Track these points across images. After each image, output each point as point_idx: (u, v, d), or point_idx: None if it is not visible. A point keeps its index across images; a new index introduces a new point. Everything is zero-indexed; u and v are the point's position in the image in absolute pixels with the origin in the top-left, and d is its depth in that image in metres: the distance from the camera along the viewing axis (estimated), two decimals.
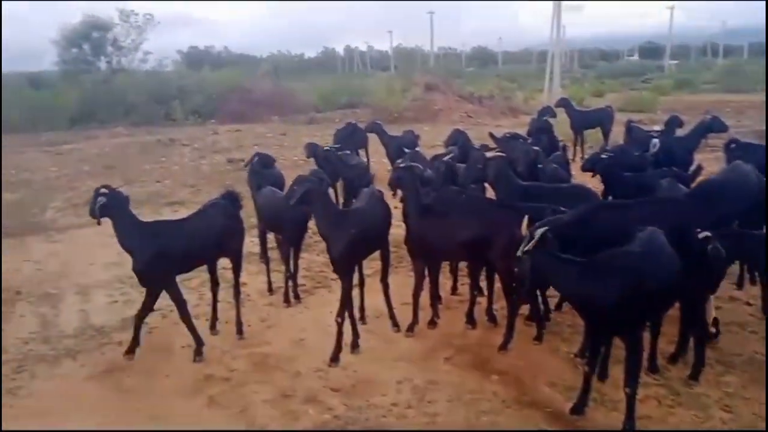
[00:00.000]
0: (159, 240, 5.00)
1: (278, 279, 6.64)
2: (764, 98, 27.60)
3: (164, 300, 6.46)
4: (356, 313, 5.67)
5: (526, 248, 3.86)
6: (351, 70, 73.73)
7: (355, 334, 5.18)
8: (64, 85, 29.47)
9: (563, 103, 14.32)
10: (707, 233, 4.10)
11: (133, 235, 4.99)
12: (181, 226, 5.29)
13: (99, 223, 5.07)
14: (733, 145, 8.38)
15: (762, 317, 5.50)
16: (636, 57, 75.42)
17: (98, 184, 5.29)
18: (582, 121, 13.95)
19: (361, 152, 12.78)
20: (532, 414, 4.20)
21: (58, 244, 9.03)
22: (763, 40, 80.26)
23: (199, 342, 5.22)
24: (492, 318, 5.57)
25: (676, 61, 59.59)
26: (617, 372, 4.65)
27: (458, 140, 9.41)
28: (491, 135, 11.03)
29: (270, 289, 6.63)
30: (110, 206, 4.97)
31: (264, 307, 6.27)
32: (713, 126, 10.28)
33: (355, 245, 4.94)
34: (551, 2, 32.60)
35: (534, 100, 30.26)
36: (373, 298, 5.76)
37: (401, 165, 5.54)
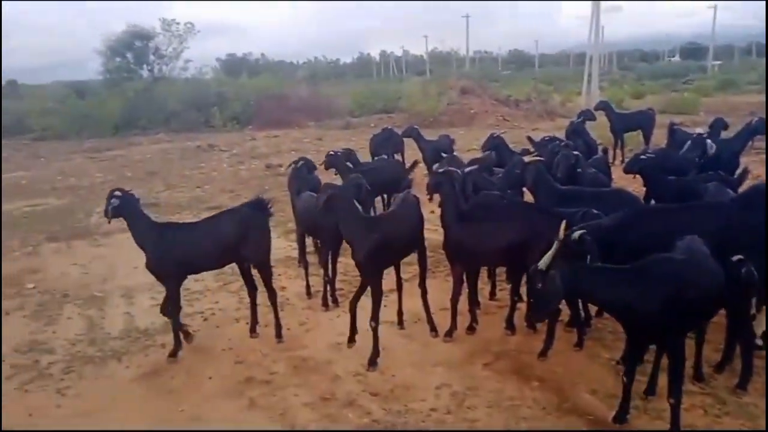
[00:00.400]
0: (167, 240, 5.25)
1: (317, 283, 6.70)
2: None
3: (204, 303, 6.67)
4: (395, 318, 5.70)
5: (550, 257, 3.65)
6: (386, 75, 74.07)
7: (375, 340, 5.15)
8: (108, 94, 30.35)
9: (603, 105, 14.11)
10: (740, 257, 3.98)
11: (145, 234, 5.28)
12: (192, 229, 5.51)
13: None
14: None
15: None
16: (677, 58, 73.84)
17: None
18: (622, 124, 13.72)
19: (398, 156, 12.86)
20: (573, 421, 4.13)
21: (103, 248, 9.30)
22: None
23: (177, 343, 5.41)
24: (531, 324, 5.51)
25: (719, 62, 58.10)
26: (662, 379, 4.57)
27: (494, 145, 9.34)
28: (529, 138, 10.95)
29: (308, 293, 6.69)
30: (122, 207, 5.27)
31: (303, 311, 6.33)
32: (759, 128, 10.01)
33: (379, 250, 4.93)
34: (589, 3, 32.11)
35: (572, 103, 29.90)
36: (412, 303, 5.75)
37: (439, 170, 5.54)
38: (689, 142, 8.77)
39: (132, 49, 33.84)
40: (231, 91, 31.20)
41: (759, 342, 4.85)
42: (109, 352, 5.61)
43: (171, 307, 5.41)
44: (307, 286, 6.73)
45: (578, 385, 4.55)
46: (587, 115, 12.50)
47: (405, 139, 12.88)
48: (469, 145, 16.21)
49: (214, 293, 6.95)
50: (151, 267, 5.28)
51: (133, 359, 5.44)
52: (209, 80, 36.49)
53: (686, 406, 4.22)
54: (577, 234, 4.00)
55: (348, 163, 8.65)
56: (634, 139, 14.33)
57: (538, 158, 6.00)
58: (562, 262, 3.67)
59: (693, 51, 74.67)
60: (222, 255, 5.47)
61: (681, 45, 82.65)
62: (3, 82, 28.19)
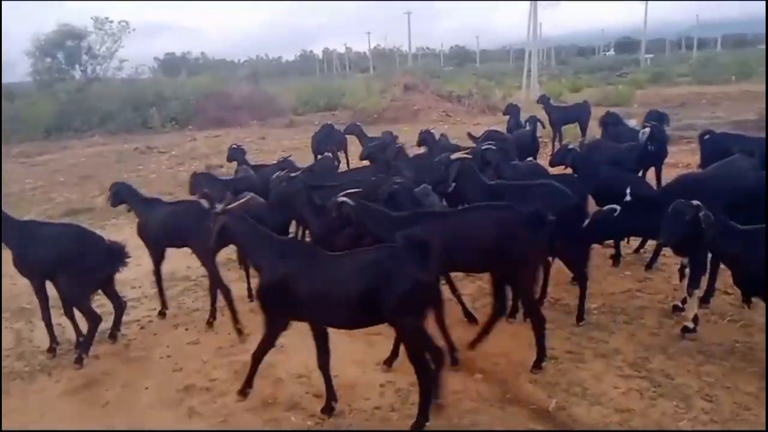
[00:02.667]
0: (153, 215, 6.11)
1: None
2: (738, 89, 28.14)
3: (141, 311, 6.44)
4: None
5: None
6: (330, 73, 73.63)
7: None
8: (38, 96, 29.04)
9: (542, 100, 14.45)
10: (698, 202, 4.21)
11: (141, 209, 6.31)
12: (164, 210, 6.18)
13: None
14: (707, 137, 8.46)
15: (741, 306, 5.56)
16: (612, 52, 76.31)
17: (74, 194, 5.29)
18: (560, 117, 14.06)
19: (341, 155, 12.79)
20: (515, 411, 4.18)
21: None
22: (736, 32, 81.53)
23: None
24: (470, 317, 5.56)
25: (651, 55, 60.35)
26: (599, 365, 4.68)
27: (427, 141, 9.41)
28: (469, 135, 11.09)
29: (250, 296, 6.55)
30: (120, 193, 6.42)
31: (244, 314, 6.17)
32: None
33: None
34: (527, 1, 32.78)
35: (512, 98, 30.35)
36: None
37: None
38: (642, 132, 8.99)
39: (63, 48, 32.52)
40: (169, 91, 30.33)
41: (690, 325, 5.05)
42: (38, 366, 5.35)
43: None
44: (249, 289, 6.58)
45: (520, 375, 4.61)
46: (514, 111, 12.85)
47: (348, 136, 12.83)
48: (413, 141, 16.26)
49: (151, 300, 6.72)
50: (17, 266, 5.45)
51: (64, 373, 5.19)
52: (146, 80, 35.43)
53: (623, 390, 4.35)
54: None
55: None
56: (571, 132, 14.70)
57: (463, 155, 5.94)
58: None
59: (627, 45, 77.31)
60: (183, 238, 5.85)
61: (615, 39, 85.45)
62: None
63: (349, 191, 4.96)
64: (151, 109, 27.25)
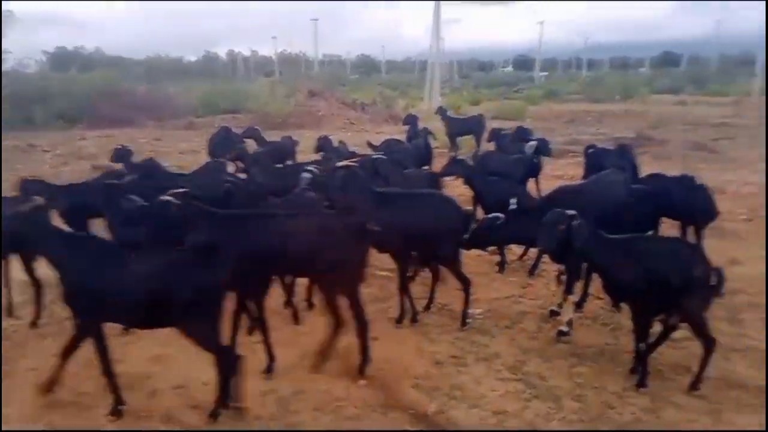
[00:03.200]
0: None
1: None
2: (621, 108, 30.28)
3: (7, 321, 5.93)
4: None
5: None
6: (234, 76, 71.95)
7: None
8: None
9: (439, 111, 14.88)
10: (573, 212, 4.45)
11: None
12: None
13: None
14: (590, 150, 9.02)
15: (611, 310, 5.92)
16: (510, 68, 79.87)
17: None
18: (456, 129, 14.52)
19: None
20: (396, 417, 4.21)
21: None
22: (622, 54, 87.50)
23: None
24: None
25: (545, 73, 63.69)
26: (480, 369, 4.82)
27: (324, 147, 9.41)
28: (369, 143, 11.18)
29: None
30: None
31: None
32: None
33: None
34: (431, 14, 33.65)
35: (414, 108, 31.05)
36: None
37: None
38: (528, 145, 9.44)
39: None
40: (58, 87, 28.39)
41: (565, 329, 5.31)
42: None
43: None
44: None
45: (403, 380, 4.65)
46: (412, 121, 13.16)
47: (247, 141, 12.54)
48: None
49: (17, 309, 6.20)
50: None
51: None
52: (31, 74, 33.03)
53: (500, 393, 4.50)
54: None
55: None
56: (468, 143, 15.20)
57: (349, 163, 5.91)
58: None
59: (523, 62, 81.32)
60: None
61: (513, 57, 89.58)
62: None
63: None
64: (35, 105, 25.35)
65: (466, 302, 5.52)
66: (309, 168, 6.53)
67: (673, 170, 12.45)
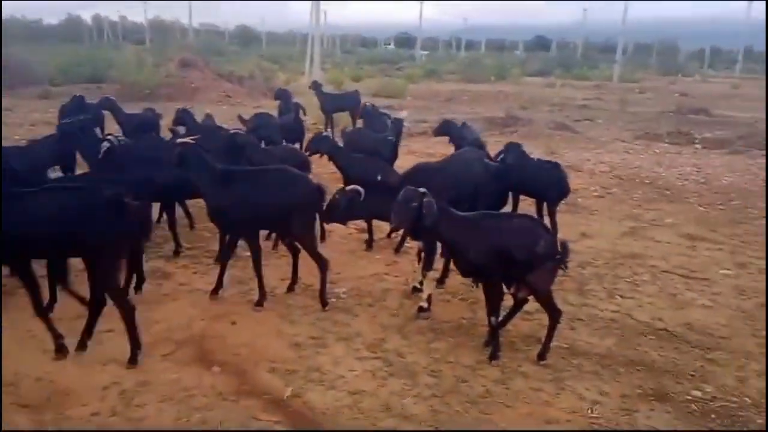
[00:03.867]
0: None
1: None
2: (494, 89, 31.54)
3: None
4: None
5: None
6: (100, 42, 66.71)
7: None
8: None
9: (314, 86, 14.61)
10: (424, 189, 4.45)
11: None
12: None
13: None
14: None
15: (471, 286, 6.08)
16: (392, 46, 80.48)
17: None
18: (332, 105, 14.34)
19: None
20: (248, 404, 4.03)
21: None
22: (498, 37, 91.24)
23: None
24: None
25: (426, 52, 64.75)
26: (339, 349, 4.76)
27: (185, 120, 8.94)
28: (240, 117, 10.75)
29: None
30: None
31: None
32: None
33: None
34: None
35: (295, 82, 30.47)
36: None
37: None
38: (390, 123, 9.50)
39: None
40: None
41: (425, 305, 5.38)
42: None
43: None
44: None
45: (259, 365, 4.49)
46: (285, 95, 12.95)
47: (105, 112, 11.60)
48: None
49: None
50: None
51: None
52: None
53: (358, 372, 4.46)
54: None
55: None
56: (345, 120, 15.09)
57: (187, 140, 5.54)
58: None
59: (405, 40, 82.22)
60: None
61: (395, 34, 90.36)
62: None
63: None
64: None
65: (323, 282, 5.42)
66: (108, 137, 6.29)
67: (537, 149, 13.29)
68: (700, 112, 21.92)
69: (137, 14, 71.45)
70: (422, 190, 4.43)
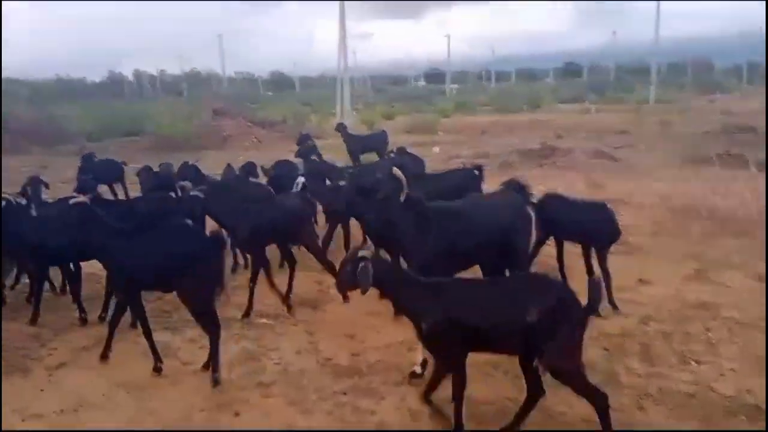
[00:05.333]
0: None
1: None
2: (528, 118, 30.77)
3: None
4: None
5: None
6: (140, 96, 68.88)
7: None
8: None
9: (339, 128, 14.31)
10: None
11: None
12: None
13: None
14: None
15: None
16: (422, 82, 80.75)
17: None
18: (358, 145, 13.94)
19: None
20: None
21: None
22: (527, 65, 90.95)
23: None
24: None
25: (456, 86, 64.62)
26: None
27: (188, 175, 8.55)
28: (262, 168, 10.29)
29: None
30: None
31: None
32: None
33: None
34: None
35: (327, 124, 30.37)
36: None
37: None
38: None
39: None
40: None
41: (417, 369, 4.70)
42: None
43: None
44: None
45: None
46: (307, 139, 12.39)
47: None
48: (218, 169, 15.15)
49: None
50: None
51: None
52: None
53: None
54: None
55: None
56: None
57: (81, 200, 5.03)
58: None
59: (434, 76, 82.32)
60: None
61: (425, 71, 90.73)
62: None
63: None
64: None
65: (212, 356, 4.76)
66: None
67: (578, 182, 12.46)
68: (747, 130, 20.64)
69: (175, 67, 73.42)
70: (363, 252, 3.85)
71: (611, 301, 5.92)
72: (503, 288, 3.89)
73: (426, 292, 3.83)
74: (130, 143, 25.48)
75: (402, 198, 4.76)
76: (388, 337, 5.52)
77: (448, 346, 3.77)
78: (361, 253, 3.84)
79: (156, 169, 9.77)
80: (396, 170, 4.85)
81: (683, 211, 9.84)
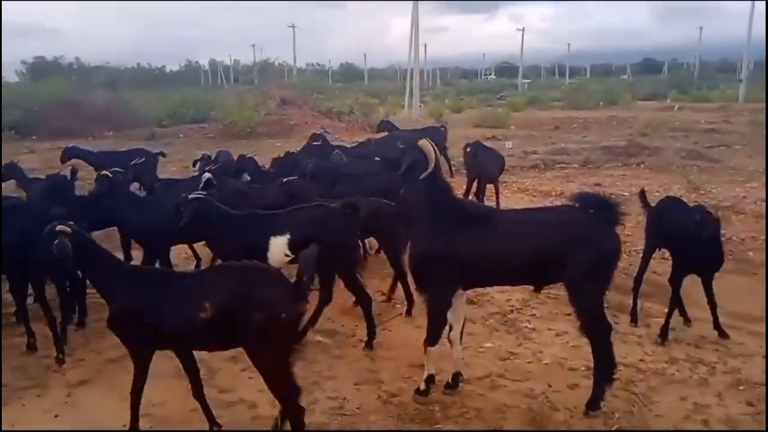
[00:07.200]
0: None
1: None
2: (605, 115, 28.97)
3: None
4: None
5: None
6: (215, 84, 70.43)
7: None
8: None
9: (383, 126, 13.72)
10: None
11: None
12: None
13: None
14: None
15: None
16: (493, 76, 78.86)
17: None
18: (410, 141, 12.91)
19: None
20: None
21: None
22: (602, 62, 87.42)
23: None
24: None
25: (528, 80, 62.63)
26: None
27: (247, 167, 7.88)
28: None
29: None
30: None
31: None
32: None
33: None
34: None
35: (395, 116, 29.64)
36: None
37: None
38: None
39: None
40: (9, 97, 26.46)
41: (422, 386, 3.72)
42: None
43: None
44: None
45: None
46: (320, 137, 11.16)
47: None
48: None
49: None
50: None
51: None
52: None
53: None
54: None
55: None
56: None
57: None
58: None
59: (506, 70, 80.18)
60: None
61: (496, 64, 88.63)
62: None
63: None
64: None
65: None
66: None
67: (674, 184, 11.14)
68: None
69: (249, 57, 74.49)
70: (61, 227, 3.50)
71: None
72: (197, 283, 3.53)
73: (121, 277, 3.52)
74: (198, 130, 25.57)
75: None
76: (471, 370, 4.49)
77: (133, 337, 3.47)
78: (59, 227, 3.51)
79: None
80: (426, 142, 3.93)
81: None
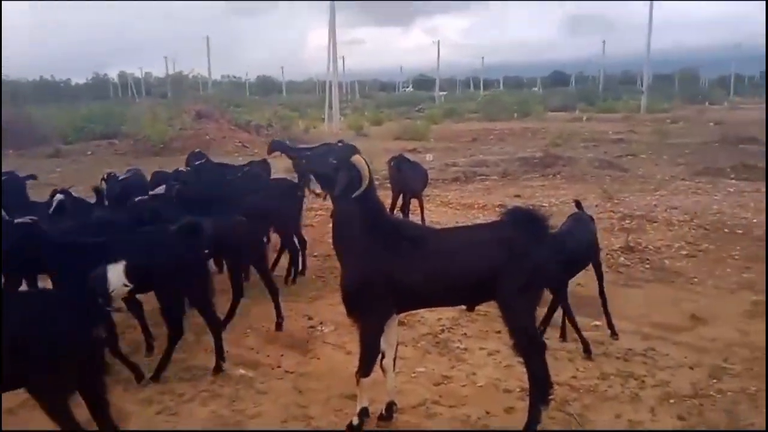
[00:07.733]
0: None
1: None
2: (520, 126, 29.89)
3: None
4: None
5: None
6: (125, 98, 67.34)
7: None
8: None
9: (276, 146, 12.31)
10: None
11: None
12: None
13: None
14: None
15: None
16: (411, 89, 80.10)
17: None
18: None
19: None
20: None
21: None
22: (515, 75, 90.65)
23: None
24: None
25: (444, 93, 63.97)
26: None
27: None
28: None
29: None
30: None
31: None
32: None
33: None
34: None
35: (315, 129, 29.35)
36: None
37: None
38: None
39: None
40: None
41: (354, 420, 3.57)
42: None
43: None
44: None
45: None
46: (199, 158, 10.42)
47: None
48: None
49: None
50: None
51: None
52: None
53: None
54: None
55: None
56: None
57: None
58: None
59: (423, 82, 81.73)
60: None
61: (413, 77, 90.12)
62: None
63: None
64: None
65: None
66: None
67: (590, 194, 11.44)
68: (748, 141, 19.88)
69: (161, 69, 71.58)
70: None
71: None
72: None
73: None
74: (108, 146, 24.25)
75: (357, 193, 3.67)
76: (405, 398, 4.24)
77: None
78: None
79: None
80: (359, 157, 3.74)
81: (715, 230, 8.80)
